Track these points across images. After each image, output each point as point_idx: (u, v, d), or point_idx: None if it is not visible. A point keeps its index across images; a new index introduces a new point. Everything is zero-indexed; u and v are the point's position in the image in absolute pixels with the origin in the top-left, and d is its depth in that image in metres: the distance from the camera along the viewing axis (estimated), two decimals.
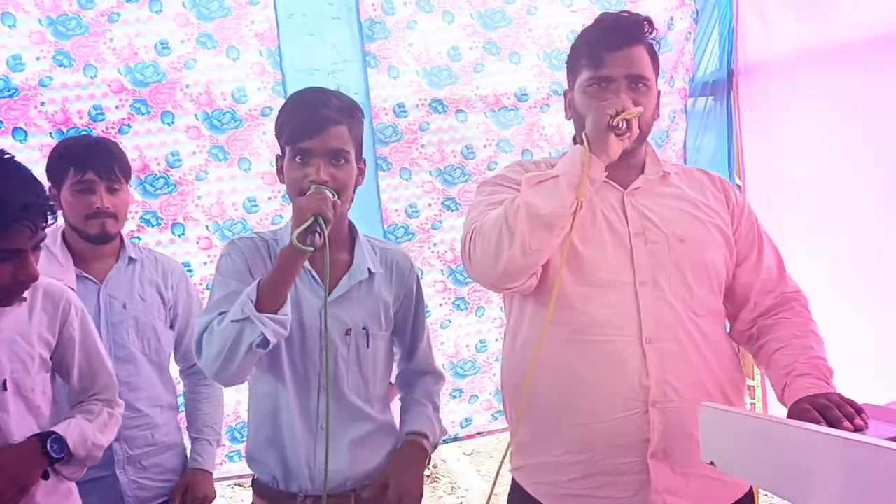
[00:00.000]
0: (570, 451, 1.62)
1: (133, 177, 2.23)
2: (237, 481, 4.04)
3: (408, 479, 1.68)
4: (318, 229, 1.50)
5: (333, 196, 1.56)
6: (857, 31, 2.43)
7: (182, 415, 2.31)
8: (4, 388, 1.59)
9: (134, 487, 2.04)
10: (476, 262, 1.58)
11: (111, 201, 1.98)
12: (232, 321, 1.51)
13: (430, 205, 2.89)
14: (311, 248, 1.49)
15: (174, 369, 2.28)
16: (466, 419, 2.97)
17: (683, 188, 1.71)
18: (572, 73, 1.71)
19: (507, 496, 1.78)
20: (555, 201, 1.48)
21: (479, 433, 3.03)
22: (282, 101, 2.57)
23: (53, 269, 1.95)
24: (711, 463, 1.33)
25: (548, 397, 1.62)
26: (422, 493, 1.71)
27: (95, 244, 2.01)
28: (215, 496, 2.17)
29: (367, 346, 1.71)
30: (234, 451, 2.77)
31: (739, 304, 1.72)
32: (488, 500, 1.65)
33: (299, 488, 1.68)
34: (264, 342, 1.50)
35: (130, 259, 2.10)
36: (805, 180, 2.73)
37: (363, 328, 1.70)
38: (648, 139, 3.04)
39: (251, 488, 1.79)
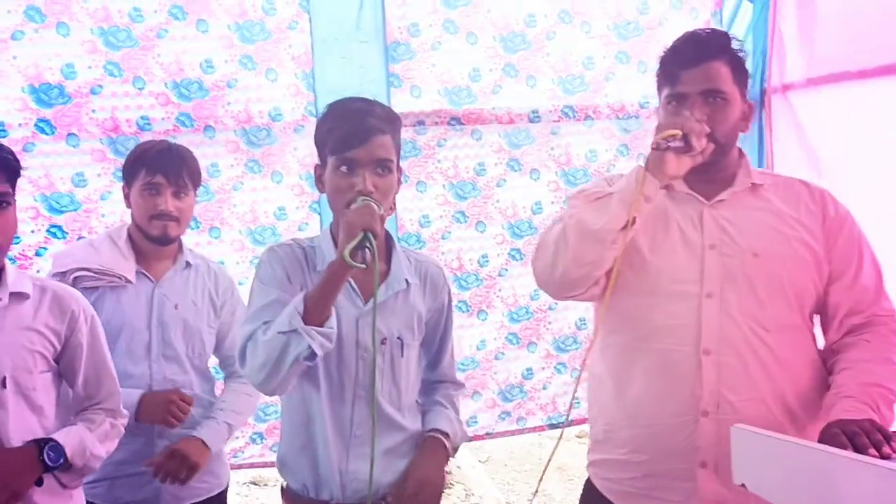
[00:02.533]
0: (632, 451, 1.69)
1: None
2: (253, 479, 4.12)
3: (426, 473, 1.70)
4: (368, 245, 1.49)
5: (379, 209, 1.56)
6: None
7: None
8: (4, 385, 1.58)
9: (171, 485, 2.06)
10: (538, 272, 1.71)
11: (175, 205, 2.07)
12: (278, 333, 1.51)
13: (441, 216, 3.09)
14: (363, 266, 1.49)
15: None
16: (472, 418, 3.17)
17: (774, 201, 1.70)
18: (658, 92, 1.75)
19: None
20: (605, 217, 1.57)
21: (487, 434, 3.20)
22: (313, 121, 2.80)
23: (116, 260, 2.07)
24: (743, 485, 1.36)
25: (614, 399, 1.71)
26: (441, 488, 1.74)
27: (156, 245, 2.11)
28: (201, 466, 2.07)
29: (402, 356, 1.73)
30: (256, 433, 2.97)
31: (828, 323, 1.70)
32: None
33: (330, 496, 1.69)
34: (311, 355, 1.52)
35: (187, 264, 2.19)
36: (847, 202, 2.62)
37: (398, 338, 1.72)
38: None
39: (280, 496, 1.82)
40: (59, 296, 1.71)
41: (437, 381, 1.92)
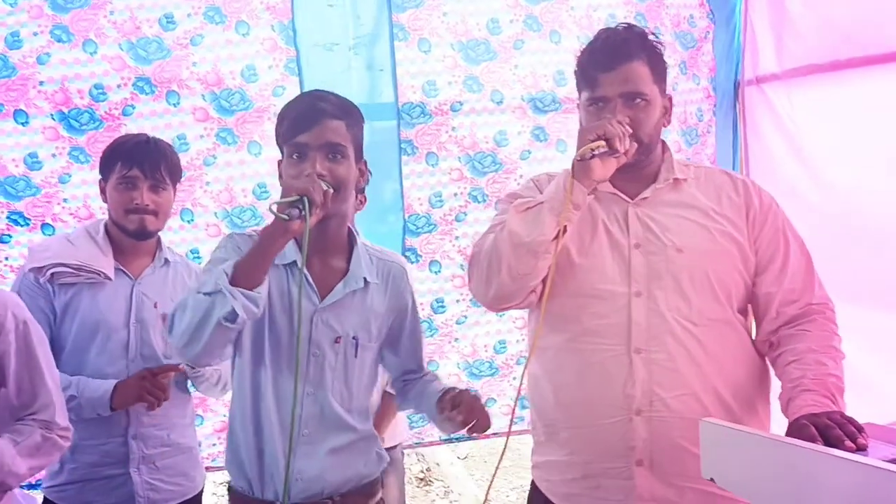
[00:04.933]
0: (570, 452, 1.70)
1: None
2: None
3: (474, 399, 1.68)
4: (300, 206, 1.47)
5: (327, 187, 1.54)
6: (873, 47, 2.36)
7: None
8: None
9: (146, 488, 2.05)
10: (473, 285, 1.72)
11: (152, 199, 2.01)
12: (204, 293, 1.49)
13: (455, 194, 2.69)
14: (286, 218, 1.46)
15: None
16: None
17: (696, 195, 1.72)
18: (578, 93, 1.74)
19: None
20: (537, 229, 1.56)
21: (494, 434, 2.84)
22: (296, 80, 2.48)
23: (94, 255, 2.01)
24: (712, 479, 1.34)
25: (552, 401, 1.72)
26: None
27: (134, 239, 2.05)
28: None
29: (355, 356, 1.71)
30: None
31: (762, 314, 1.72)
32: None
33: (275, 496, 1.66)
34: (232, 315, 1.47)
35: (166, 261, 2.13)
36: (817, 198, 2.61)
37: (353, 337, 1.70)
38: (679, 138, 2.94)
39: (228, 494, 1.76)
40: None
41: (417, 377, 1.89)
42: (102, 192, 2.06)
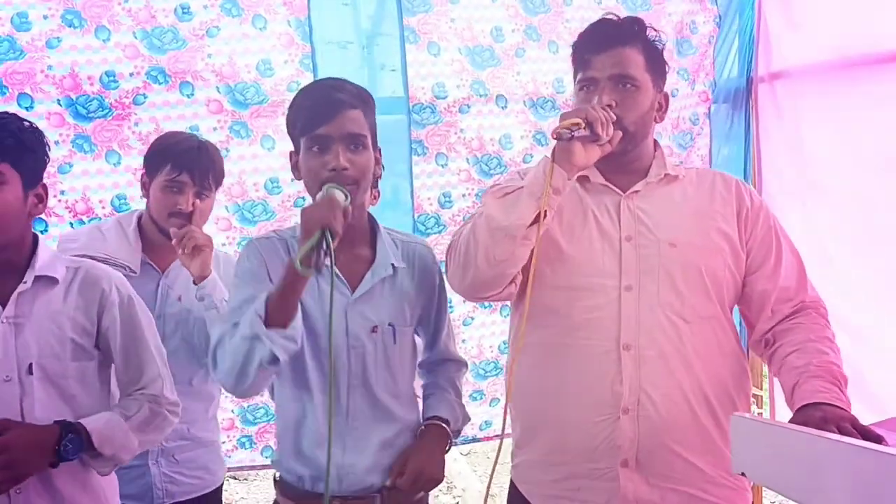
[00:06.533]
0: (552, 451, 1.65)
1: None
2: (233, 474, 4.08)
3: (424, 461, 1.67)
4: (325, 246, 1.41)
5: (346, 200, 1.49)
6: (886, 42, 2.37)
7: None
8: (30, 372, 1.53)
9: (165, 480, 2.04)
10: (450, 273, 1.66)
11: (196, 205, 2.01)
12: (242, 338, 1.49)
13: (464, 195, 2.70)
14: (313, 271, 1.40)
15: None
16: (486, 422, 2.84)
17: (689, 191, 1.69)
18: (574, 76, 1.71)
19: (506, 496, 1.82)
20: (515, 213, 1.51)
21: (496, 435, 2.84)
22: (310, 76, 2.46)
23: (123, 248, 2.00)
24: (743, 474, 1.31)
25: (534, 398, 1.67)
26: (441, 477, 1.70)
27: (168, 240, 2.02)
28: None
29: (395, 343, 1.68)
30: (245, 436, 2.62)
31: (756, 313, 1.68)
32: (485, 501, 1.63)
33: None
34: (273, 359, 1.48)
35: None
36: (830, 192, 2.63)
37: (389, 324, 1.68)
38: (671, 142, 2.99)
39: (273, 486, 1.76)
40: (91, 276, 1.65)
41: (438, 361, 1.87)
42: (144, 186, 2.04)
